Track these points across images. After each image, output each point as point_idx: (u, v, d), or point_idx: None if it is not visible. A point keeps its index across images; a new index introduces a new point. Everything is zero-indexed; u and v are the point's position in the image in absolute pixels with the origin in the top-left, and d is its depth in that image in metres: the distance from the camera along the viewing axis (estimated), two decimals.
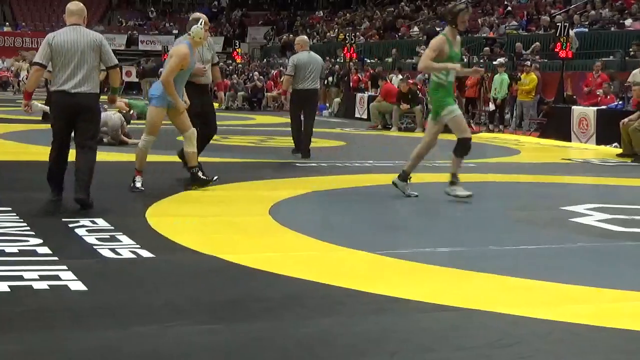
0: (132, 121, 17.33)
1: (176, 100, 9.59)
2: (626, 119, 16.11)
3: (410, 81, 23.97)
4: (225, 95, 13.23)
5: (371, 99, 26.11)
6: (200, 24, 9.74)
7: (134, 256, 6.34)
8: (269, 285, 5.72)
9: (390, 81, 26.05)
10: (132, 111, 21.81)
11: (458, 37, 9.59)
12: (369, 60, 35.06)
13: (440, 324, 4.93)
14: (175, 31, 52.28)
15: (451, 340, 4.64)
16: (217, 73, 11.35)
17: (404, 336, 4.68)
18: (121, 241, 6.80)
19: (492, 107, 23.37)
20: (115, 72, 8.73)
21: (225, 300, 5.32)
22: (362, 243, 7.07)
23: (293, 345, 4.45)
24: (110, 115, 15.03)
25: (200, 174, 9.90)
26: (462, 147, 9.59)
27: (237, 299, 5.34)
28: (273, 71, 36.82)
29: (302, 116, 14.19)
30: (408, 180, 9.87)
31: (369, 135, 21.78)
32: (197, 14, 10.05)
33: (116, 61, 8.71)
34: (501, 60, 24.96)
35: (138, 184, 9.61)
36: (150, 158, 9.91)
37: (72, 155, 8.52)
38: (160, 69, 35.62)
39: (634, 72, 17.89)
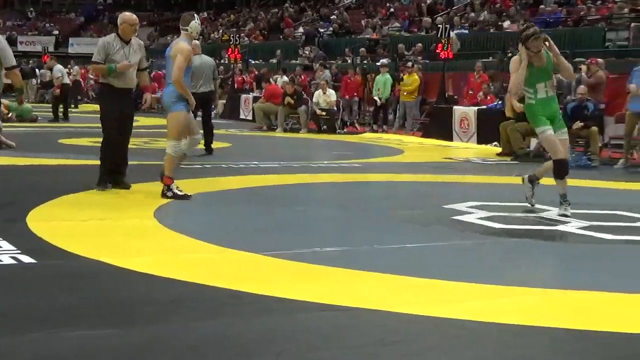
0: (9, 123, 16.90)
1: (190, 98, 9.66)
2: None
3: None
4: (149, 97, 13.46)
5: (256, 100, 26.10)
6: (197, 19, 9.84)
7: (14, 262, 6.18)
8: (156, 289, 5.65)
9: (275, 82, 26.08)
10: (10, 113, 21.25)
11: (541, 53, 9.18)
12: (253, 62, 35.03)
13: (326, 324, 4.95)
14: (55, 32, 51.21)
15: (337, 339, 4.66)
16: (145, 78, 10.66)
17: (290, 336, 4.68)
18: (1, 247, 6.63)
19: (378, 102, 23.62)
20: (13, 74, 8.50)
21: (112, 304, 5.23)
22: (248, 244, 7.05)
23: (184, 348, 4.40)
24: None
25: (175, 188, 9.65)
26: (558, 169, 9.21)
27: (125, 303, 5.26)
28: (154, 72, 36.40)
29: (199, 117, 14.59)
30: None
31: (254, 137, 21.76)
32: (190, 12, 10.18)
33: (14, 62, 8.48)
34: (384, 61, 25.26)
35: (177, 191, 9.54)
36: (28, 161, 9.69)
37: None
38: (41, 69, 34.71)
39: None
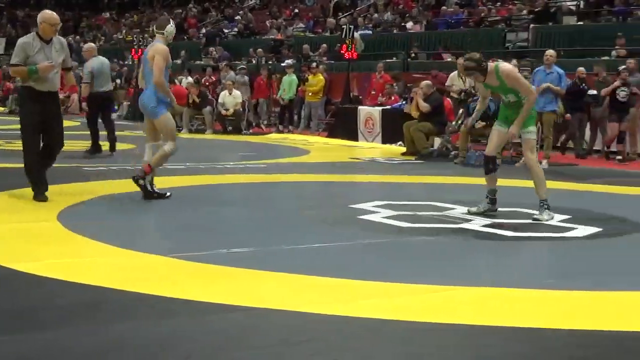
0: None
1: (172, 99, 9.79)
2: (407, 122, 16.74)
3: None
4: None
5: None
6: (172, 23, 10.03)
7: None
8: (59, 293, 5.57)
9: (180, 83, 25.89)
10: None
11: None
12: None
13: (233, 325, 4.95)
14: None
15: (244, 340, 4.67)
16: (71, 78, 10.35)
17: (197, 338, 4.67)
18: None
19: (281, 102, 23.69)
20: None
21: (14, 310, 5.14)
22: (153, 246, 7.01)
23: (87, 353, 4.36)
24: None
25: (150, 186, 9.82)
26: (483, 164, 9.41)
27: (27, 309, 5.17)
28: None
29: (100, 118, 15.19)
30: None
31: None
32: (165, 16, 10.33)
33: None
34: (289, 61, 25.31)
35: (148, 185, 9.77)
36: None
37: None
38: None
39: (451, 75, 18.49)
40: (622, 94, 15.75)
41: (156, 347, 4.49)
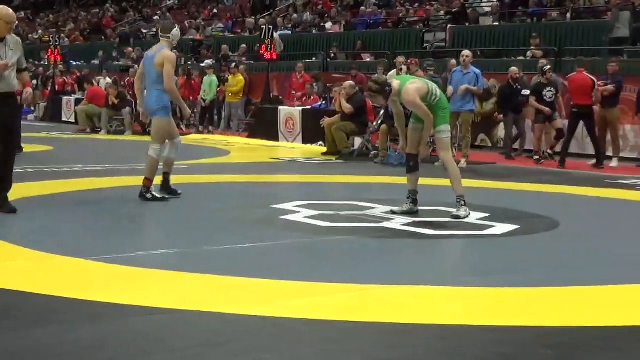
0: None
1: (182, 105, 10.23)
2: (327, 120, 16.77)
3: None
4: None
5: (78, 102, 25.53)
6: (177, 28, 10.30)
7: None
8: None
9: (98, 84, 25.60)
10: None
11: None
12: (74, 63, 34.25)
13: (155, 327, 4.93)
14: None
15: (166, 342, 4.66)
16: (27, 79, 9.38)
17: (119, 341, 4.64)
18: None
19: (203, 104, 23.59)
20: None
21: None
22: (73, 250, 6.93)
23: (5, 359, 4.29)
24: None
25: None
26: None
27: None
28: None
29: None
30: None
31: (78, 139, 21.29)
32: (170, 20, 10.05)
33: None
34: (208, 62, 25.21)
35: (155, 194, 9.91)
36: None
37: None
38: None
39: (390, 73, 18.55)
40: (548, 94, 16.00)
41: (78, 351, 4.45)
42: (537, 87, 16.13)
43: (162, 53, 9.88)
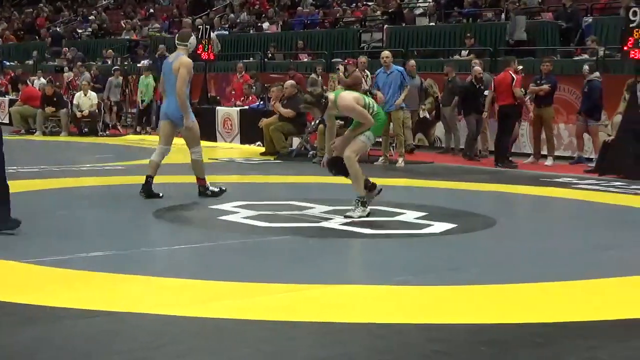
0: None
1: (187, 113, 10.35)
2: (265, 120, 16.78)
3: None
4: None
5: (12, 103, 25.17)
6: (194, 36, 10.66)
7: None
8: None
9: (32, 84, 25.26)
10: None
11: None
12: (8, 63, 33.74)
13: (93, 330, 4.91)
14: None
15: (106, 345, 4.64)
16: None
17: (59, 345, 4.61)
18: None
19: (141, 105, 23.42)
20: None
21: None
22: (7, 252, 6.85)
23: None
24: None
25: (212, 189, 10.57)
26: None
27: None
28: None
29: None
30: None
31: (12, 140, 20.94)
32: (187, 28, 10.18)
33: None
34: (145, 62, 25.00)
35: (214, 188, 10.53)
36: None
37: None
38: None
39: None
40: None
41: (16, 356, 4.40)
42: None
43: (180, 59, 10.26)
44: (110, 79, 24.37)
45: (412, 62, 17.92)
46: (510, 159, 15.61)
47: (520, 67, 16.51)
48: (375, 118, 9.09)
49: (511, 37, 20.20)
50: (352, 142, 9.11)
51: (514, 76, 15.31)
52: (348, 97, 9.04)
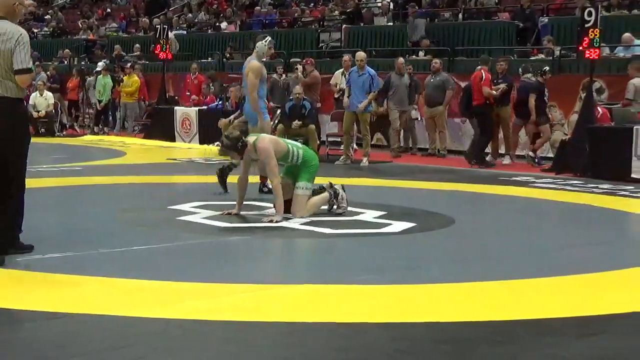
0: None
1: (260, 115, 10.55)
2: (228, 118, 16.73)
3: None
4: None
5: None
6: (265, 41, 10.75)
7: None
8: None
9: None
10: None
11: None
12: None
13: (55, 332, 4.87)
14: None
15: (67, 347, 4.61)
16: None
17: (18, 347, 4.57)
18: None
19: (98, 105, 23.32)
20: None
21: None
22: None
23: None
24: None
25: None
26: None
27: None
28: None
29: None
30: None
31: None
32: (261, 34, 11.20)
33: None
34: (102, 62, 24.84)
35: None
36: None
37: None
38: None
39: (335, 73, 18.44)
40: (548, 95, 16.07)
41: None
42: (540, 87, 15.53)
43: (249, 64, 10.74)
44: (89, 79, 24.19)
45: (401, 59, 17.61)
46: (486, 158, 15.62)
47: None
48: (302, 164, 9.14)
49: (410, 39, 21.01)
50: (295, 199, 9.06)
51: (484, 75, 15.39)
52: (267, 139, 9.08)
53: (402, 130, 17.73)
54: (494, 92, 15.41)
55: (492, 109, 15.60)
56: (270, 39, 10.92)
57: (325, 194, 9.29)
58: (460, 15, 22.62)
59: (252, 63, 10.74)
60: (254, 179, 10.19)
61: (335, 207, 9.32)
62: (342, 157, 15.69)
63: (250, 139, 9.06)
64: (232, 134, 9.17)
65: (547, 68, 15.98)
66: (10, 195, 6.83)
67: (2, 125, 6.70)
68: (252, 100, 10.69)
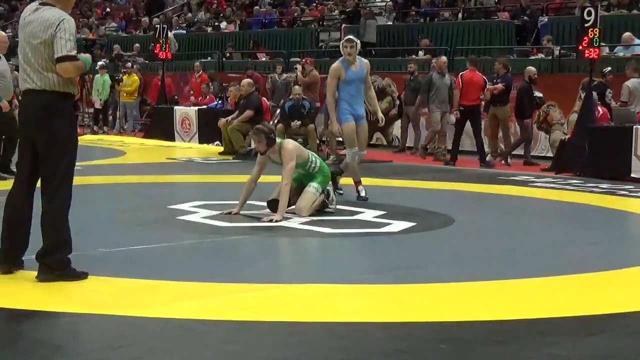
0: None
1: (332, 116, 10.32)
2: (226, 118, 16.73)
3: None
4: None
5: None
6: (343, 41, 10.49)
7: None
8: None
9: None
10: None
11: None
12: None
13: (55, 331, 4.88)
14: None
15: (66, 346, 4.61)
16: None
17: (18, 347, 4.57)
18: None
19: (98, 104, 23.32)
20: None
21: None
22: None
23: None
24: None
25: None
26: None
27: None
28: None
29: None
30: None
31: None
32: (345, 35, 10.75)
33: None
34: (102, 62, 24.84)
35: (363, 193, 10.35)
36: None
37: None
38: None
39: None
40: (609, 96, 15.97)
41: None
42: (601, 88, 15.16)
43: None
44: (96, 77, 24.20)
45: (443, 58, 17.03)
46: (487, 159, 15.60)
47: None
48: (319, 173, 9.29)
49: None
50: (304, 195, 9.17)
51: (484, 77, 15.41)
52: (291, 145, 9.24)
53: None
54: (493, 91, 15.45)
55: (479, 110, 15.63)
56: (349, 37, 10.59)
57: (322, 196, 9.32)
58: (459, 15, 22.61)
59: (333, 65, 10.51)
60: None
61: (328, 207, 9.38)
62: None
63: (278, 139, 9.19)
64: (268, 125, 9.57)
65: (609, 68, 15.67)
66: (44, 210, 6.43)
67: (34, 121, 6.18)
68: (328, 103, 10.53)
